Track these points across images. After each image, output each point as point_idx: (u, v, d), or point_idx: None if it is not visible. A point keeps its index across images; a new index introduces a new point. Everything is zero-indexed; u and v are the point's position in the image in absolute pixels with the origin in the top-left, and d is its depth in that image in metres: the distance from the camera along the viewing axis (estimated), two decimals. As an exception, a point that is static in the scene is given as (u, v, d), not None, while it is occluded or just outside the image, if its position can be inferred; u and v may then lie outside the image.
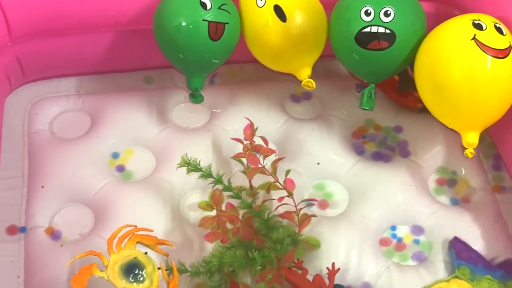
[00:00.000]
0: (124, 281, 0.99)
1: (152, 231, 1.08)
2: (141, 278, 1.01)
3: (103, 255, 1.02)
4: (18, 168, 1.30)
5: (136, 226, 1.07)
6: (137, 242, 1.06)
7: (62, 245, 1.20)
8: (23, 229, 1.22)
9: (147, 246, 1.08)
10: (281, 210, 1.21)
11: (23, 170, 1.29)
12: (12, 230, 1.22)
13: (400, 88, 1.39)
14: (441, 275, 1.19)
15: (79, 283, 0.98)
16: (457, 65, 1.13)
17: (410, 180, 1.31)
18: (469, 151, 1.17)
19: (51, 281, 1.16)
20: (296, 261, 1.19)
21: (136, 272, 1.01)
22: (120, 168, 1.31)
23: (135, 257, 1.03)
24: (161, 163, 1.32)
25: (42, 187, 1.26)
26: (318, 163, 1.33)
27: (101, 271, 1.00)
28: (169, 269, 1.07)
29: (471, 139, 1.17)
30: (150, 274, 1.02)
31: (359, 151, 1.37)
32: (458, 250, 1.20)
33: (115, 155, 1.33)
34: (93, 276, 1.00)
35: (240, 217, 1.18)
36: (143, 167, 1.32)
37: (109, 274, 1.00)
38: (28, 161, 1.31)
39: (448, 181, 1.32)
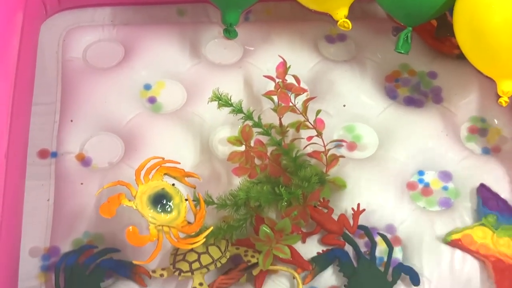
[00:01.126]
0: (152, 211, 1.01)
1: (179, 163, 1.09)
2: (169, 209, 1.02)
3: (131, 185, 1.03)
4: (52, 94, 1.31)
5: (163, 158, 1.07)
6: (165, 174, 1.07)
7: (91, 172, 1.23)
8: (54, 154, 1.24)
9: (174, 178, 1.09)
10: (310, 149, 1.21)
11: (56, 97, 1.31)
12: (43, 154, 1.24)
13: (437, 33, 1.37)
14: (466, 222, 1.19)
15: (108, 211, 1.00)
16: (497, 10, 1.10)
17: (442, 127, 1.30)
18: (504, 100, 1.15)
19: (80, 206, 1.19)
20: (322, 200, 1.20)
21: (164, 202, 1.02)
22: (152, 100, 1.32)
23: (163, 188, 1.04)
24: (192, 97, 1.32)
25: (73, 118, 1.28)
26: (344, 105, 1.32)
27: (129, 200, 1.02)
28: (196, 201, 1.08)
29: (506, 87, 1.15)
30: (178, 205, 1.03)
31: (391, 95, 1.35)
32: (485, 198, 1.20)
33: (147, 87, 1.33)
34: (121, 206, 1.01)
35: (268, 154, 1.19)
36: (174, 100, 1.32)
37: (137, 204, 1.01)
38: (61, 88, 1.32)
39: (480, 129, 1.31)
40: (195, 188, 1.10)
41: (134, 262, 1.05)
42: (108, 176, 1.21)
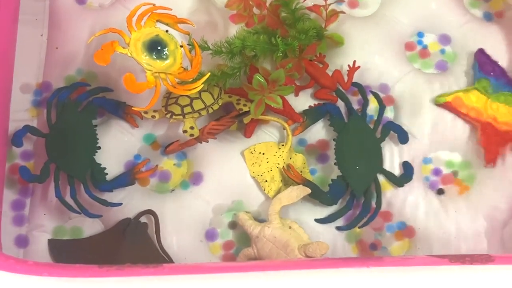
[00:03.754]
0: (147, 57, 0.99)
1: (171, 9, 1.06)
2: (164, 56, 1.01)
3: (124, 33, 1.01)
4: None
5: (154, 5, 1.05)
6: (157, 21, 1.04)
7: (86, 10, 1.20)
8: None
9: (167, 24, 1.07)
10: (310, 3, 1.19)
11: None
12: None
13: None
14: (460, 86, 1.19)
15: (103, 59, 0.98)
16: None
17: (447, -12, 1.27)
18: (513, -37, 1.12)
19: (74, 43, 1.18)
20: (318, 54, 1.19)
21: (159, 49, 1.01)
22: None
23: (157, 35, 1.02)
24: None
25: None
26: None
27: (123, 48, 1.00)
28: (192, 46, 1.06)
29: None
30: (173, 52, 1.02)
31: (399, -47, 1.31)
32: (481, 62, 1.19)
33: None
34: (116, 53, 0.99)
35: (267, 4, 1.16)
36: None
37: (132, 51, 1.00)
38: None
39: (485, -6, 1.28)
40: (189, 34, 1.07)
41: (133, 108, 1.06)
42: (102, 15, 1.20)
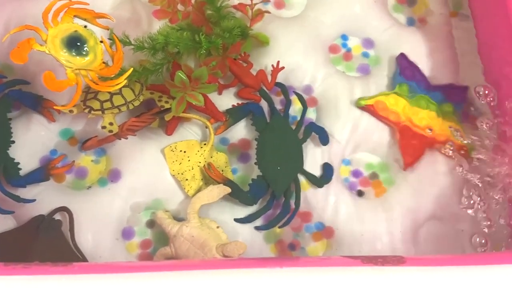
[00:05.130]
0: (66, 54, 0.96)
1: (88, 4, 1.02)
2: (84, 52, 0.98)
3: (40, 29, 0.97)
4: None
5: (70, 0, 1.02)
6: (74, 16, 1.01)
7: (1, 1, 1.17)
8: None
9: (85, 19, 1.04)
10: (236, 1, 1.18)
11: None
12: None
13: None
14: (381, 90, 1.21)
15: (19, 57, 0.94)
16: None
17: (371, -7, 1.29)
18: (435, -30, 1.15)
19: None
20: (242, 54, 1.19)
21: (79, 45, 0.98)
22: None
23: (75, 31, 0.98)
24: None
25: None
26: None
27: (41, 45, 0.97)
28: (112, 41, 1.04)
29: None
30: (93, 48, 0.99)
31: (327, -45, 1.32)
32: (402, 67, 1.21)
33: None
34: (34, 51, 0.96)
35: (192, 1, 1.15)
36: None
37: (50, 48, 0.96)
38: None
39: (408, 0, 1.30)
40: (108, 29, 1.05)
41: (55, 107, 1.03)
42: (17, 10, 1.16)
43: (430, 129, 1.17)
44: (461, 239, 1.12)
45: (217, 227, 1.06)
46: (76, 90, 0.97)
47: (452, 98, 1.20)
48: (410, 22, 1.29)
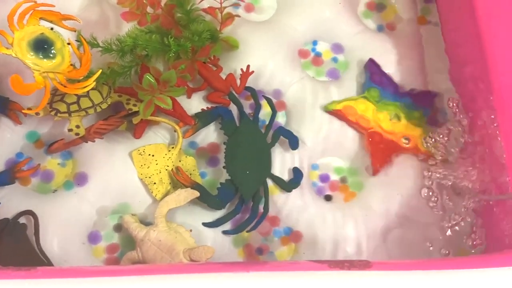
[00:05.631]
0: (34, 57, 0.95)
1: (53, 6, 1.00)
2: (51, 55, 0.97)
3: (5, 32, 0.95)
4: None
5: (35, 1, 1.00)
6: (40, 18, 1.00)
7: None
8: None
9: (51, 22, 1.03)
10: (206, 5, 1.18)
11: None
12: None
13: None
14: (351, 94, 1.21)
15: None
16: None
17: (341, -2, 1.30)
18: (404, -24, 1.16)
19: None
20: (212, 57, 1.19)
21: (46, 48, 0.97)
22: None
23: (42, 33, 0.97)
24: None
25: None
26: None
27: (7, 48, 0.95)
28: (80, 43, 1.03)
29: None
30: (61, 50, 0.98)
31: (296, -40, 1.32)
32: (371, 72, 1.22)
33: None
34: (0, 54, 0.94)
35: (162, 4, 1.14)
36: None
37: (16, 51, 0.94)
38: None
39: (378, 5, 1.31)
40: (75, 31, 1.03)
41: (24, 111, 1.02)
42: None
43: (407, 139, 1.18)
44: (428, 242, 1.13)
45: (185, 231, 1.06)
46: (44, 93, 0.96)
47: (420, 103, 1.21)
48: (380, 28, 1.30)
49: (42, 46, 0.96)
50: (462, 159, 1.14)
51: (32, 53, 0.95)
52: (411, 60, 1.25)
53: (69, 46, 0.99)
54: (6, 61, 1.07)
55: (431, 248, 1.11)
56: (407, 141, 1.17)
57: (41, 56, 0.96)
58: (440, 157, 1.16)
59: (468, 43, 1.16)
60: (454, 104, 1.19)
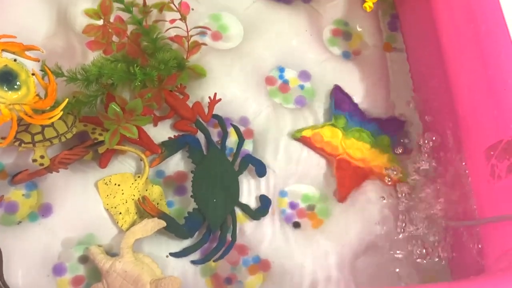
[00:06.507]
0: None
1: (15, 37, 0.99)
2: (16, 87, 0.95)
3: None
4: None
5: None
6: (3, 50, 0.99)
7: None
8: None
9: (14, 53, 1.02)
10: (172, 33, 1.18)
11: None
12: None
13: None
14: (318, 122, 1.22)
15: None
16: None
17: (307, 26, 1.30)
18: (368, 5, 1.17)
19: None
20: (179, 85, 1.18)
21: (10, 80, 0.95)
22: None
23: (5, 65, 0.95)
24: (53, -36, 1.24)
25: None
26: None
27: None
28: (44, 72, 1.02)
29: (372, -8, 1.16)
30: (25, 81, 0.96)
31: (262, -12, 1.33)
32: (338, 99, 1.23)
33: None
34: None
35: (128, 32, 1.14)
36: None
37: None
38: None
39: (344, 33, 1.32)
40: (38, 61, 1.02)
41: None
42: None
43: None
44: (397, 268, 1.13)
45: (152, 261, 1.04)
46: (11, 125, 0.94)
47: (387, 129, 1.22)
48: (345, 55, 1.31)
49: (6, 78, 0.95)
50: (429, 184, 1.15)
51: None
52: (377, 86, 1.27)
53: (34, 76, 0.98)
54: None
55: (397, 270, 1.12)
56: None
57: (6, 89, 0.94)
58: (407, 183, 1.17)
59: (433, 71, 1.17)
60: (427, 132, 1.20)
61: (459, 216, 1.08)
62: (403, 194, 1.16)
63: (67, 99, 0.99)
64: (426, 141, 1.17)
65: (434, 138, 1.17)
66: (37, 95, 0.97)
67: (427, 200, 1.13)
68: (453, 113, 1.10)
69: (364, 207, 1.17)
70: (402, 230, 1.14)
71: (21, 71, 0.96)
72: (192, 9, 1.17)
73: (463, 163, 1.09)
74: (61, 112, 0.97)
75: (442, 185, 1.12)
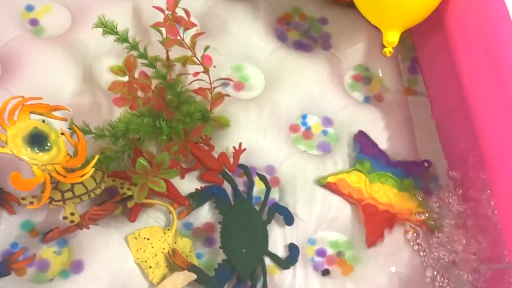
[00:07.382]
0: (29, 152, 0.96)
1: (41, 98, 1.02)
2: (47, 147, 0.97)
3: None
4: None
5: (23, 97, 1.00)
6: (30, 112, 1.01)
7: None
8: None
9: (41, 114, 1.04)
10: (196, 86, 1.20)
11: None
12: None
13: (331, -19, 1.37)
14: (343, 167, 1.23)
15: None
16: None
17: (328, 73, 1.32)
18: (388, 50, 1.18)
19: None
20: (204, 137, 1.20)
21: (41, 141, 0.98)
22: (34, 22, 1.25)
23: (35, 127, 0.98)
24: (77, 23, 1.27)
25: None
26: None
27: (2, 147, 0.96)
28: (73, 132, 1.04)
29: (391, 37, 1.17)
30: (55, 141, 0.98)
31: (281, 37, 1.35)
32: (362, 144, 1.23)
33: (30, 8, 1.26)
34: None
35: (152, 87, 1.16)
36: (58, 24, 1.26)
37: (12, 148, 0.95)
38: None
39: (364, 78, 1.34)
40: (66, 120, 1.04)
41: (28, 207, 1.01)
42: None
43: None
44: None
45: (183, 314, 1.04)
46: (45, 186, 0.96)
47: (413, 173, 1.22)
48: (367, 99, 1.32)
49: (37, 140, 0.97)
50: (458, 228, 1.14)
51: (28, 148, 0.95)
52: (401, 130, 1.27)
53: (63, 135, 1.00)
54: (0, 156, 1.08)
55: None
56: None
57: (37, 150, 0.96)
58: (436, 226, 1.16)
59: (456, 115, 1.18)
60: (453, 174, 1.20)
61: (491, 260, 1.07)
62: (433, 240, 1.15)
63: (97, 156, 1.01)
64: (453, 185, 1.17)
65: (460, 180, 1.16)
66: (68, 153, 0.99)
67: (458, 246, 1.13)
68: (479, 156, 1.10)
69: (393, 253, 1.16)
70: (431, 279, 1.13)
71: (51, 132, 0.98)
72: (214, 67, 1.18)
73: (492, 203, 1.09)
74: (92, 169, 0.98)
75: (473, 230, 1.12)
